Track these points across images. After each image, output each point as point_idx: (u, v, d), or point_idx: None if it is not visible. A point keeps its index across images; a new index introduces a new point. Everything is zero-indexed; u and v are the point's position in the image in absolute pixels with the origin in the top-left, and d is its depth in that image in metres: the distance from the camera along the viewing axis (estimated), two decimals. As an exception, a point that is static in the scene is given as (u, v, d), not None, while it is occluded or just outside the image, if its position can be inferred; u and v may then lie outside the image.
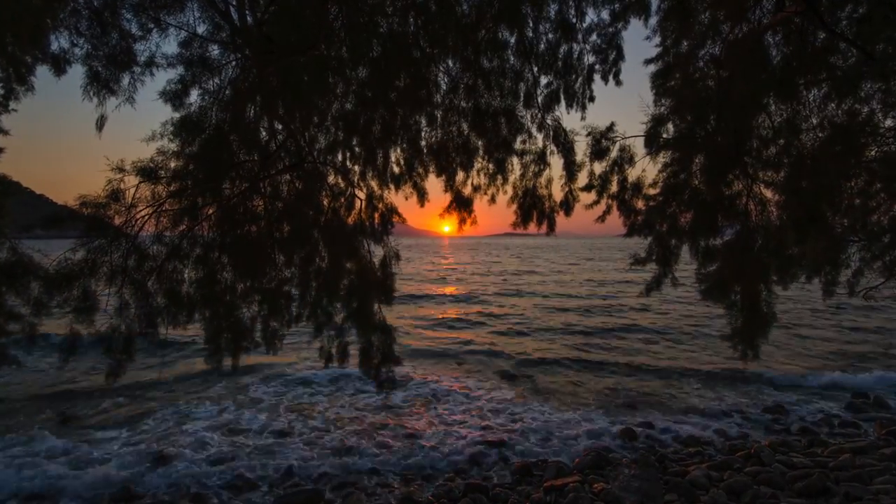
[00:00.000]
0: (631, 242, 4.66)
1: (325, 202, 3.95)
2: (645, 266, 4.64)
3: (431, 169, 4.34)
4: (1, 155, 3.43)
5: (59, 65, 3.79)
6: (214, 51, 3.50)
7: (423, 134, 4.15)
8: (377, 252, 4.07)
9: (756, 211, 4.01)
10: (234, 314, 3.78)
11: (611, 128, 4.43)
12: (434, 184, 4.45)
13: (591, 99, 4.44)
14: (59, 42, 3.67)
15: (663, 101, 4.15)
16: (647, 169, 4.49)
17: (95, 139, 3.72)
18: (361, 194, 4.29)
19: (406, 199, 4.51)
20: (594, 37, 4.24)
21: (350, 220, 4.09)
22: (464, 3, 3.59)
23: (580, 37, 4.15)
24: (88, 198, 3.09)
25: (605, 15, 4.12)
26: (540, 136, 4.42)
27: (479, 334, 15.31)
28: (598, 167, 4.56)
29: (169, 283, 3.52)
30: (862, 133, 3.54)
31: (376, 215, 4.33)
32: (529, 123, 4.33)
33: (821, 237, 3.86)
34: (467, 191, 4.46)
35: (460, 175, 4.37)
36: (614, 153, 4.50)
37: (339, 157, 4.23)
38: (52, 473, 5.83)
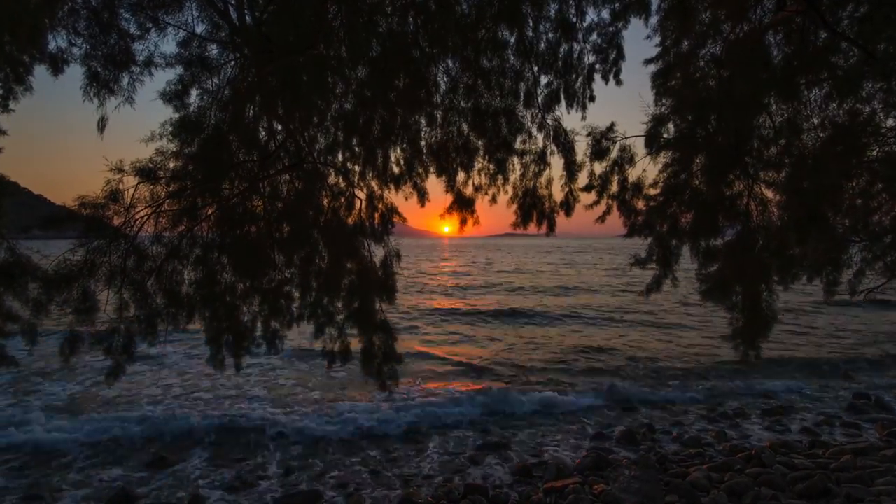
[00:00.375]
0: (629, 243, 4.66)
1: (325, 202, 3.94)
2: (645, 267, 4.63)
3: (432, 169, 4.33)
4: (-1, 155, 3.42)
5: (58, 65, 3.78)
6: (213, 50, 3.50)
7: (422, 134, 4.14)
8: (378, 252, 4.06)
9: (757, 211, 4.00)
10: (235, 315, 3.78)
11: (611, 128, 4.42)
12: (434, 184, 4.44)
13: (592, 99, 4.43)
14: (57, 42, 3.67)
15: (664, 100, 4.14)
16: (647, 169, 4.49)
17: (94, 139, 3.72)
18: (361, 194, 4.29)
19: (406, 199, 4.50)
20: (594, 36, 4.23)
21: (350, 221, 4.08)
22: (463, 3, 3.58)
23: (580, 36, 4.14)
24: (87, 198, 3.08)
25: (605, 14, 4.11)
26: (540, 136, 4.41)
27: (479, 334, 15.30)
28: (599, 167, 4.56)
29: (169, 283, 3.51)
30: (863, 133, 3.52)
31: (376, 215, 4.32)
32: (529, 123, 4.33)
33: (822, 237, 3.85)
34: (469, 191, 4.45)
35: (461, 175, 4.36)
36: (615, 153, 4.49)
37: (339, 157, 4.22)
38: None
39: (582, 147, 4.46)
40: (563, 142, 4.38)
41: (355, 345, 4.00)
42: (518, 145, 4.37)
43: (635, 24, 4.21)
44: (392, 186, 4.37)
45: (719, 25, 3.78)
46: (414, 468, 6.22)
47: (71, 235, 3.23)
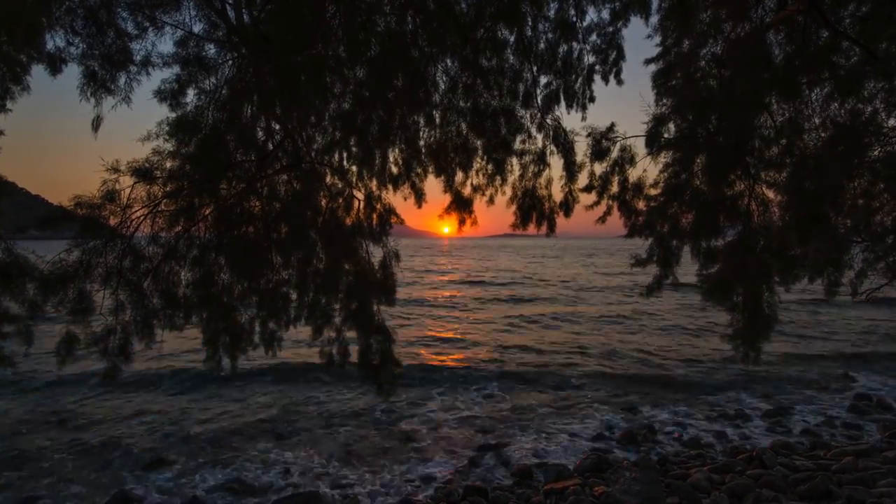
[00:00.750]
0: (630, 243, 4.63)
1: (323, 203, 3.91)
2: (645, 267, 4.60)
3: (430, 169, 4.31)
4: (-4, 155, 3.40)
5: (56, 64, 3.75)
6: (211, 50, 3.47)
7: (421, 134, 4.12)
8: (376, 253, 4.03)
9: (758, 211, 3.97)
10: (232, 316, 3.75)
11: (611, 128, 4.39)
12: (433, 184, 4.41)
13: (592, 99, 4.40)
14: (54, 41, 3.64)
15: (664, 100, 4.11)
16: (648, 169, 4.46)
17: (93, 140, 3.70)
18: (359, 195, 4.26)
19: (404, 199, 4.48)
20: (594, 36, 4.20)
21: (348, 221, 4.05)
22: (462, 2, 3.56)
23: (580, 36, 4.11)
24: (83, 198, 3.05)
25: (605, 14, 4.08)
26: (539, 137, 4.38)
27: (477, 335, 15.27)
28: (599, 168, 4.53)
29: (165, 284, 3.49)
30: (865, 133, 3.50)
31: (374, 216, 4.29)
32: (529, 123, 4.30)
33: (823, 238, 3.82)
34: (467, 191, 4.42)
35: (459, 175, 4.33)
36: (615, 153, 4.47)
37: (337, 157, 4.19)
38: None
39: (582, 147, 4.44)
40: (563, 142, 4.35)
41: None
42: (517, 145, 4.35)
43: (636, 23, 4.19)
44: (390, 187, 4.35)
45: (720, 25, 3.76)
46: (413, 469, 6.20)
47: (68, 236, 3.20)
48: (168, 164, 3.27)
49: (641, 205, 4.58)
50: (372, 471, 6.12)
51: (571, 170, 4.45)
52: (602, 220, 4.69)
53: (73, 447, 6.64)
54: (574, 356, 12.35)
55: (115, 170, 3.07)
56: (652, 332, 15.52)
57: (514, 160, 4.40)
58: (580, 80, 4.29)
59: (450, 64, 3.88)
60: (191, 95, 3.46)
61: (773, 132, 3.85)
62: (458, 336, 15.17)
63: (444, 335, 15.32)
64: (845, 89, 3.43)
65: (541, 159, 4.45)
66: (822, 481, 5.20)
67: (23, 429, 7.25)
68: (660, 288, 4.71)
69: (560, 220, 4.62)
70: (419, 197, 4.37)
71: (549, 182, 4.57)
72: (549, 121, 4.31)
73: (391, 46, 3.48)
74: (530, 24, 3.86)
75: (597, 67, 4.32)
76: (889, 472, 5.49)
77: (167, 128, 3.22)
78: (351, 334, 3.90)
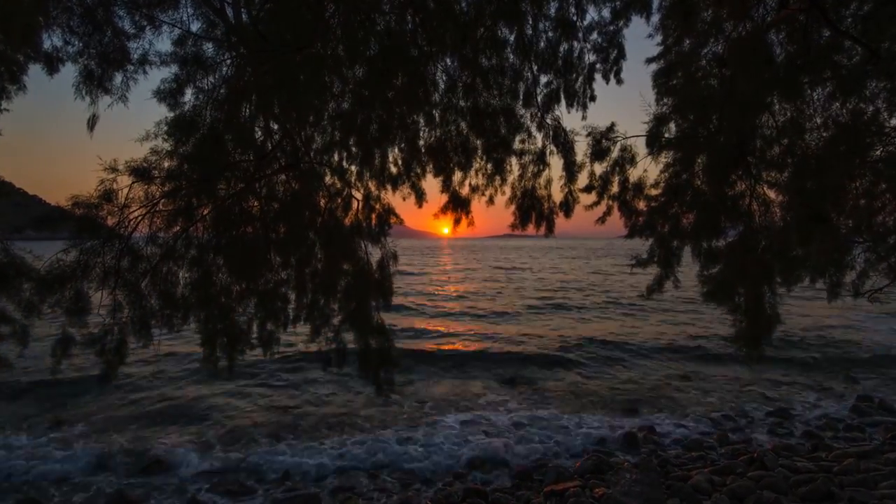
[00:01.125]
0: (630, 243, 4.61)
1: (322, 203, 3.89)
2: (646, 268, 4.59)
3: (429, 169, 4.29)
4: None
5: (53, 63, 3.74)
6: (209, 49, 3.45)
7: (420, 133, 4.10)
8: (375, 253, 4.01)
9: (759, 212, 3.95)
10: (230, 316, 3.73)
11: (611, 128, 4.38)
12: (433, 184, 4.39)
13: (592, 98, 4.39)
14: (52, 41, 3.63)
15: (665, 100, 4.10)
16: (648, 169, 4.45)
17: (90, 139, 3.68)
18: (358, 195, 4.24)
19: (404, 199, 4.46)
20: (595, 35, 4.19)
21: (347, 221, 4.03)
22: (462, 1, 3.54)
23: (581, 35, 4.10)
24: (80, 198, 3.03)
25: (606, 13, 4.07)
26: (539, 136, 4.37)
27: (476, 336, 15.24)
28: (599, 168, 4.52)
29: (163, 284, 3.47)
30: (867, 132, 3.48)
31: (373, 216, 4.27)
32: (529, 123, 4.29)
33: (825, 238, 3.80)
34: (465, 191, 4.41)
35: (458, 175, 4.31)
36: (615, 153, 4.45)
37: (336, 157, 4.18)
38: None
39: (582, 147, 4.43)
40: (563, 142, 4.34)
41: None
42: (517, 145, 4.33)
43: (636, 22, 4.17)
44: (389, 187, 4.33)
45: (721, 24, 3.74)
46: (412, 471, 6.17)
47: (66, 236, 3.18)
48: (166, 164, 3.25)
49: (642, 205, 4.57)
50: (371, 472, 6.09)
51: (571, 170, 4.43)
52: (602, 220, 4.68)
53: (71, 448, 6.61)
54: (574, 357, 12.31)
55: (113, 169, 3.05)
56: (651, 330, 15.49)
57: (514, 160, 4.39)
58: (581, 79, 4.28)
59: (449, 63, 3.86)
60: (189, 95, 3.45)
61: (775, 132, 3.83)
62: (453, 336, 15.15)
63: (439, 336, 15.28)
64: (847, 89, 3.42)
65: (540, 159, 4.43)
66: (824, 483, 5.17)
67: (20, 430, 7.22)
68: (660, 289, 4.70)
69: (559, 220, 4.60)
70: (419, 197, 4.36)
71: (549, 182, 4.56)
72: (549, 120, 4.30)
73: (390, 45, 3.46)
74: (530, 22, 3.85)
75: (597, 66, 4.31)
76: (891, 473, 5.46)
77: (165, 127, 3.20)
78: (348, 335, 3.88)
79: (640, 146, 4.41)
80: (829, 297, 4.61)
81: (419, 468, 6.20)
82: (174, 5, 3.31)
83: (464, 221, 4.48)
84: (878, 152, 3.65)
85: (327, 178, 4.07)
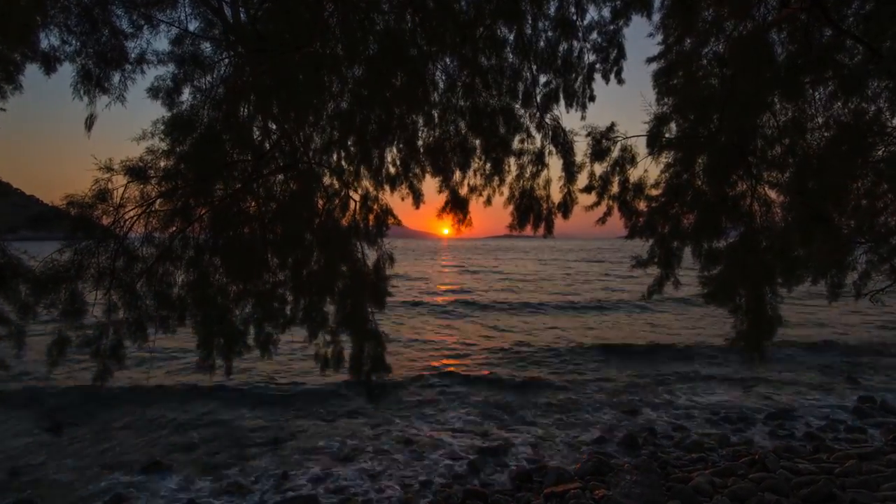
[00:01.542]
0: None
1: (320, 203, 3.86)
2: (646, 269, 4.56)
3: (427, 169, 4.26)
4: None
5: (50, 63, 3.71)
6: (207, 48, 3.43)
7: (419, 133, 4.07)
8: (372, 255, 3.98)
9: (760, 212, 3.93)
10: (227, 317, 3.70)
11: (611, 128, 4.35)
12: (431, 185, 4.37)
13: (592, 98, 4.36)
14: (49, 40, 3.60)
15: (666, 99, 4.08)
16: (648, 169, 4.42)
17: (88, 139, 3.65)
18: (356, 195, 4.21)
19: (402, 199, 4.43)
20: (595, 34, 4.17)
21: (344, 222, 4.00)
22: (462, 0, 3.52)
23: (580, 34, 4.07)
24: (75, 197, 3.01)
25: (606, 12, 4.05)
26: (538, 136, 4.34)
27: (475, 335, 15.21)
28: (599, 168, 4.49)
29: (159, 285, 3.44)
30: (869, 132, 3.46)
31: (371, 217, 4.24)
32: (528, 123, 4.26)
33: (826, 239, 3.78)
34: (463, 191, 4.37)
35: (456, 175, 4.28)
36: (615, 153, 4.43)
37: (334, 157, 4.15)
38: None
39: (582, 147, 4.40)
40: (562, 142, 4.31)
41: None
42: (516, 145, 4.30)
43: (637, 21, 4.15)
44: (387, 187, 4.30)
45: (722, 23, 3.72)
46: (412, 473, 6.14)
47: (61, 236, 3.15)
48: (162, 164, 3.22)
49: (642, 205, 4.54)
50: (370, 474, 6.06)
51: (571, 170, 4.40)
52: (602, 220, 4.65)
53: (69, 450, 6.59)
54: (575, 357, 12.27)
55: (109, 168, 3.02)
56: (652, 330, 15.46)
57: (512, 160, 4.36)
58: (580, 78, 4.25)
59: (449, 63, 3.84)
60: (186, 94, 3.42)
61: (776, 132, 3.81)
62: (452, 337, 15.11)
63: (438, 336, 15.25)
64: (849, 88, 3.40)
65: (539, 159, 4.40)
66: (826, 485, 5.14)
67: (18, 432, 7.19)
68: (661, 289, 4.67)
69: (558, 220, 4.57)
70: (417, 197, 4.32)
71: (548, 182, 4.53)
72: (548, 120, 4.27)
73: (390, 45, 3.44)
74: (530, 22, 3.82)
75: (597, 66, 4.28)
76: (893, 475, 5.43)
77: (162, 127, 3.17)
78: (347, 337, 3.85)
79: (640, 146, 4.39)
80: (830, 297, 4.59)
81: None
82: (172, 4, 3.28)
83: (463, 222, 4.44)
84: (879, 152, 3.63)
85: (325, 179, 4.04)
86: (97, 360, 3.24)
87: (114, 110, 3.72)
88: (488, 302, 22.80)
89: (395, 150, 4.16)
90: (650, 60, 4.06)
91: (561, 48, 4.07)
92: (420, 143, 4.11)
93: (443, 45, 3.68)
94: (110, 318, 3.25)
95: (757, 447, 6.75)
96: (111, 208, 3.09)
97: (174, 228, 3.38)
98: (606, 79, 4.37)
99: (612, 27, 4.14)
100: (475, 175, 4.32)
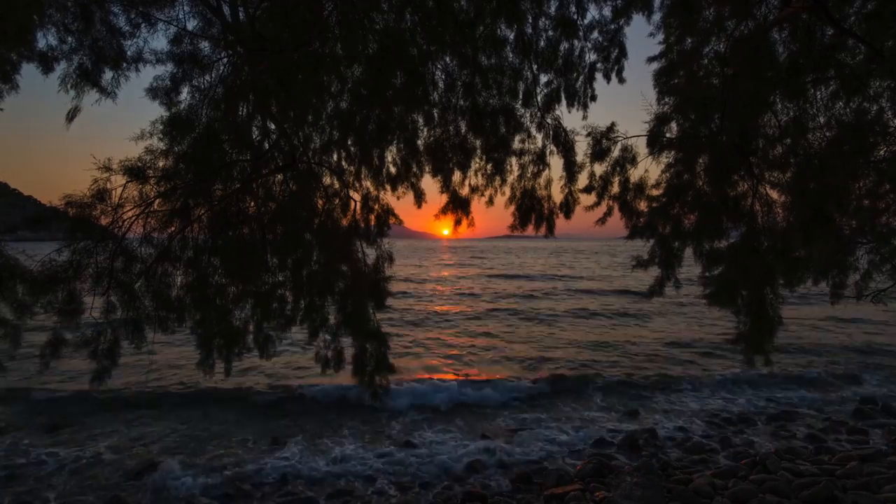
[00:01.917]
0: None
1: (320, 203, 3.85)
2: (647, 269, 4.54)
3: (428, 169, 4.24)
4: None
5: (48, 62, 3.70)
6: (205, 47, 3.42)
7: (419, 133, 4.06)
8: (372, 255, 3.96)
9: (762, 212, 3.91)
10: (226, 318, 3.68)
11: (612, 128, 4.33)
12: (432, 184, 4.35)
13: (593, 98, 4.35)
14: (47, 39, 3.59)
15: (667, 99, 4.06)
16: (649, 169, 4.40)
17: (86, 139, 3.75)
18: (356, 195, 4.20)
19: (398, 199, 4.42)
20: (596, 34, 4.16)
21: (345, 222, 3.98)
22: (462, -1, 3.51)
23: (581, 34, 4.06)
24: (73, 197, 2.99)
25: (606, 11, 4.04)
26: (539, 136, 4.33)
27: (474, 335, 15.19)
28: (599, 168, 4.47)
29: (158, 285, 3.42)
30: (870, 132, 3.45)
31: (372, 217, 4.22)
32: (528, 123, 4.24)
33: (828, 239, 3.76)
34: (464, 191, 4.36)
35: (457, 175, 4.27)
36: (616, 153, 4.41)
37: (334, 157, 4.13)
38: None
39: (582, 147, 4.38)
40: (563, 142, 4.30)
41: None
42: (516, 145, 4.29)
43: (638, 21, 4.14)
44: (388, 187, 4.28)
45: (723, 22, 3.70)
46: (411, 474, 6.11)
47: (60, 237, 3.14)
48: (161, 164, 3.20)
49: (643, 206, 4.52)
50: (370, 476, 6.04)
51: (571, 170, 4.39)
52: (602, 221, 4.63)
53: (66, 452, 6.56)
54: (575, 357, 12.25)
55: (107, 168, 3.00)
56: (651, 330, 15.44)
57: (514, 160, 4.34)
58: (581, 78, 4.24)
59: (449, 62, 3.82)
60: (185, 93, 3.41)
61: (777, 132, 3.79)
62: (451, 337, 15.08)
63: (438, 337, 15.22)
64: (851, 88, 3.38)
65: (540, 159, 4.39)
66: (827, 486, 5.12)
67: (14, 434, 7.16)
68: (661, 290, 4.65)
69: (559, 220, 4.55)
70: (418, 197, 4.31)
71: (549, 182, 4.51)
72: (549, 120, 4.26)
73: (389, 44, 3.42)
74: (531, 21, 3.81)
75: (598, 65, 4.27)
76: (894, 477, 5.40)
77: (161, 126, 3.15)
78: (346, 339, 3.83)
79: (641, 146, 4.38)
80: (832, 298, 4.57)
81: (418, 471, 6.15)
82: (170, 3, 3.27)
83: (464, 222, 4.43)
84: (881, 152, 3.61)
85: (325, 179, 4.03)
86: (94, 361, 3.22)
87: (114, 110, 3.75)
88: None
89: (395, 149, 4.15)
90: (651, 60, 4.04)
91: (562, 47, 4.06)
92: (420, 142, 4.09)
93: (443, 44, 3.66)
94: (108, 318, 3.23)
95: (758, 448, 6.73)
96: (110, 208, 3.07)
97: (173, 228, 3.36)
98: (608, 78, 4.35)
99: (612, 26, 4.14)
100: (476, 175, 4.31)
